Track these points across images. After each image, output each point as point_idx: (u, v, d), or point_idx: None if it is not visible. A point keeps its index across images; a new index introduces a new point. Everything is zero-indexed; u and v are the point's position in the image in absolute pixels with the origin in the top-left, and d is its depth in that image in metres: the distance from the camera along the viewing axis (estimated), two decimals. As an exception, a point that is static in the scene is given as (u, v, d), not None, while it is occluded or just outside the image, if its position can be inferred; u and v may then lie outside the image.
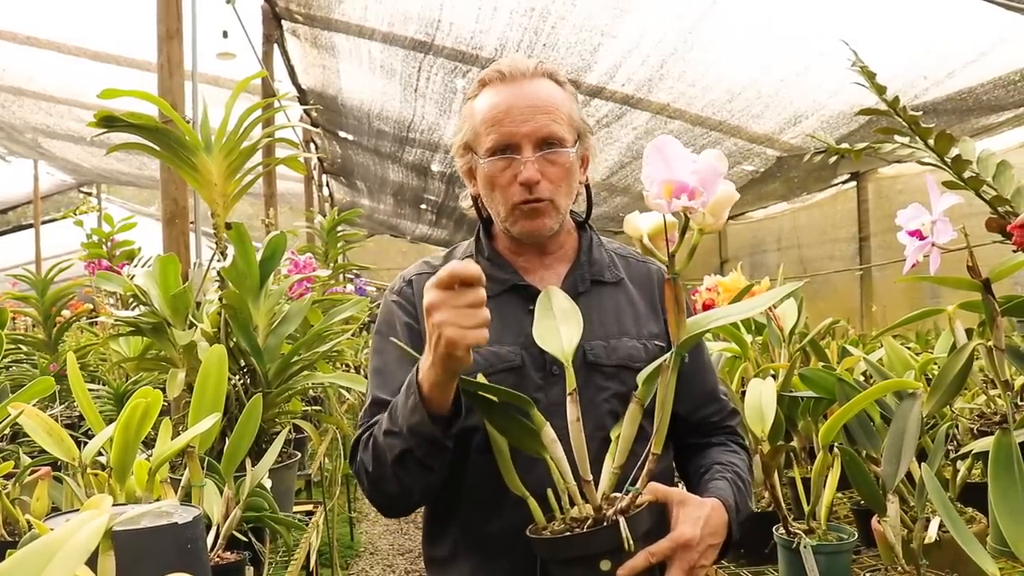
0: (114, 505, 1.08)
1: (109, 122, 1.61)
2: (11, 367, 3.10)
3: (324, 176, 10.18)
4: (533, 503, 1.14)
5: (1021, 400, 1.53)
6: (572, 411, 1.11)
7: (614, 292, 1.41)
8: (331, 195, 11.38)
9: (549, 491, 1.13)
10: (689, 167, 0.95)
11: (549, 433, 1.11)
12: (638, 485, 1.09)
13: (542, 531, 1.12)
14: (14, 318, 3.84)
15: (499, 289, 1.37)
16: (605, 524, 1.06)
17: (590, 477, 1.10)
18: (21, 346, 3.20)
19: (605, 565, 1.05)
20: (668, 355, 1.04)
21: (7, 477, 1.45)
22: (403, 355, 1.25)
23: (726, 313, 1.09)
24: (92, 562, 0.84)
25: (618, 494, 1.11)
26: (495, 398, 1.13)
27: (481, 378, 1.19)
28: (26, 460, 1.57)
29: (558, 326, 1.18)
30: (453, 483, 1.33)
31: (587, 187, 1.44)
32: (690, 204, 0.94)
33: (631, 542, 1.04)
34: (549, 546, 1.10)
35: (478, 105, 1.36)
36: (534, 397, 1.14)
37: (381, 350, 1.38)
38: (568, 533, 1.08)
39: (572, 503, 1.12)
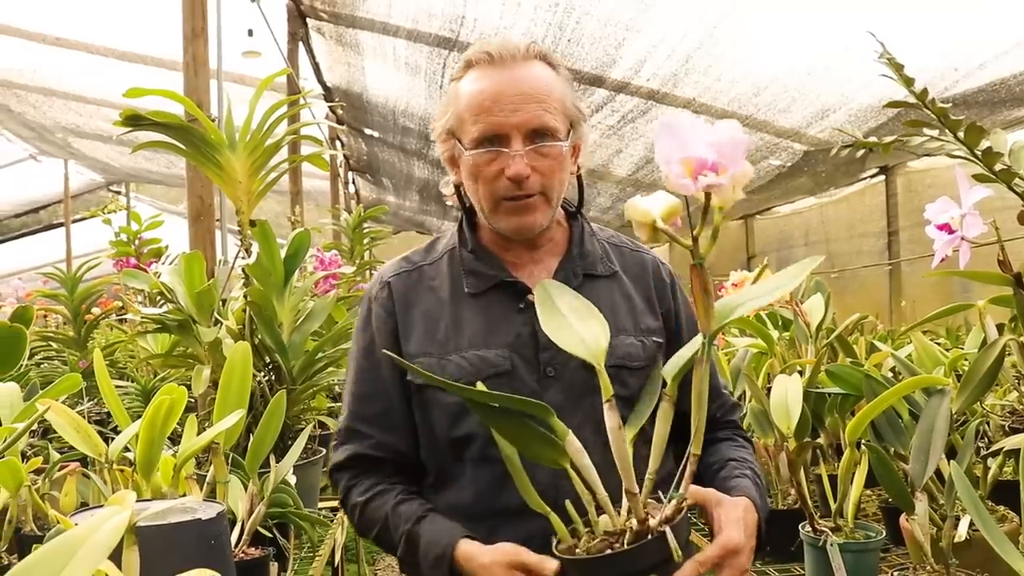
0: (139, 501, 1.09)
1: (134, 121, 1.62)
2: (42, 364, 3.15)
3: (350, 173, 10.23)
4: (555, 518, 1.05)
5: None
6: (611, 419, 1.01)
7: (608, 286, 1.32)
8: (357, 192, 11.43)
9: (568, 503, 1.04)
10: (705, 139, 0.83)
11: (573, 442, 1.02)
12: (681, 490, 0.99)
13: (574, 550, 1.03)
14: (45, 315, 3.90)
15: (484, 286, 1.28)
16: (650, 537, 0.97)
17: (636, 489, 0.99)
18: (52, 343, 3.25)
19: None
20: (700, 346, 0.96)
21: (37, 472, 1.47)
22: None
23: (752, 295, 1.03)
24: (117, 557, 0.84)
25: (652, 500, 1.03)
26: (496, 404, 1.03)
27: (481, 386, 1.12)
28: (56, 456, 1.59)
29: (573, 324, 1.07)
30: (448, 495, 1.26)
31: (579, 177, 1.34)
32: (718, 181, 0.81)
33: (679, 553, 0.95)
34: (586, 568, 1.00)
35: (464, 88, 1.23)
36: None
37: (357, 364, 1.35)
38: (609, 551, 0.98)
39: (599, 514, 1.03)
